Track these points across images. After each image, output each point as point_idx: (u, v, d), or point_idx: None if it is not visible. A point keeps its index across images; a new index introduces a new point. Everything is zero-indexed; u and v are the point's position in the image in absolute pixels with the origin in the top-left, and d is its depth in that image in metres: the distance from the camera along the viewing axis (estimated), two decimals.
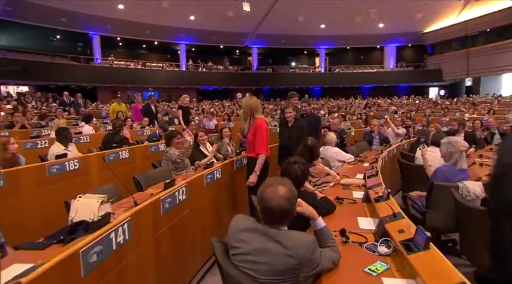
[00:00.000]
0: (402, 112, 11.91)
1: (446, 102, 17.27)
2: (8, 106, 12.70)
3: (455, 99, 19.10)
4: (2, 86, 17.45)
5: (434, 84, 24.94)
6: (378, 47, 26.36)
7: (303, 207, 1.73)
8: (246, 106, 3.47)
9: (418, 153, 4.13)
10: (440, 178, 2.98)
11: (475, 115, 10.20)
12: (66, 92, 12.51)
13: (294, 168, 2.21)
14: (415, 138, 5.57)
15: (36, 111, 10.26)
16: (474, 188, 2.76)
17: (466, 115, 10.24)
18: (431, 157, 3.75)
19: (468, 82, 23.19)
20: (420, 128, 7.33)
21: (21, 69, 15.88)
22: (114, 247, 1.67)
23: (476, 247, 2.41)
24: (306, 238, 1.48)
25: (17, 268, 1.48)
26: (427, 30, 23.92)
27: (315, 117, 5.02)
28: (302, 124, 4.28)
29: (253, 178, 3.30)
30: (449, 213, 2.81)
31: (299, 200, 1.67)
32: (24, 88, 18.25)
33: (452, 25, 22.20)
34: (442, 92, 24.68)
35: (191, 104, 14.95)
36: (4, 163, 3.23)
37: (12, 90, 17.90)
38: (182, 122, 6.94)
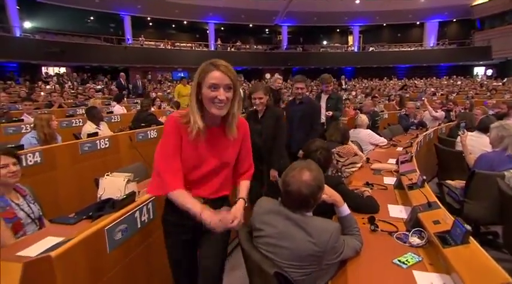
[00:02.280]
0: (442, 94, 11.16)
1: (494, 83, 15.89)
2: (48, 86, 13.48)
3: (505, 80, 17.48)
4: (42, 67, 18.44)
5: (481, 63, 22.93)
6: (418, 23, 24.52)
7: (327, 194, 1.65)
8: None
9: (459, 138, 3.84)
10: (485, 165, 2.76)
11: None
12: (122, 73, 11.37)
13: (316, 155, 2.09)
14: (455, 122, 5.19)
15: (73, 91, 10.78)
16: None
17: None
18: (473, 143, 3.47)
19: None
20: (462, 111, 6.82)
21: (59, 50, 16.61)
22: (139, 226, 1.70)
23: None
24: (330, 225, 1.42)
25: (49, 241, 1.56)
26: (477, 2, 21.76)
27: (311, 105, 3.73)
28: (277, 114, 3.06)
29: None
30: (491, 203, 2.61)
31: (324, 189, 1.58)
32: (62, 69, 19.18)
33: None
34: (490, 72, 22.65)
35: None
36: (45, 138, 3.44)
37: (52, 71, 18.88)
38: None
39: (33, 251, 1.47)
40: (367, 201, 2.09)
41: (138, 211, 1.68)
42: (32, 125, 3.73)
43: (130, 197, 1.77)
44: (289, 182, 1.42)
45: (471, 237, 1.43)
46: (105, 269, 1.45)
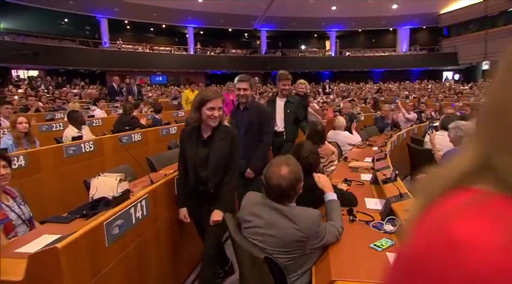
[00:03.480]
0: (414, 97, 11.75)
1: (461, 87, 16.89)
2: (20, 90, 12.99)
3: (470, 84, 18.62)
4: (13, 70, 17.69)
5: (449, 68, 24.28)
6: (391, 29, 25.64)
7: (320, 180, 1.92)
8: None
9: (427, 138, 4.15)
10: None
11: None
12: (116, 77, 10.34)
13: (308, 161, 2.15)
14: (427, 123, 5.56)
15: (48, 95, 10.47)
16: None
17: (482, 100, 10.02)
18: (440, 142, 3.76)
19: (485, 66, 22.47)
20: (432, 114, 7.27)
21: (31, 53, 16.03)
22: (134, 222, 1.79)
23: None
24: (312, 212, 1.59)
25: (46, 238, 1.63)
26: (444, 11, 23.07)
27: (258, 111, 2.97)
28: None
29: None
30: None
31: (318, 175, 1.93)
32: (34, 73, 18.49)
33: (471, 5, 21.30)
34: (457, 76, 24.03)
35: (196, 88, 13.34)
36: (18, 141, 3.43)
37: (23, 74, 18.16)
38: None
39: (32, 247, 1.53)
40: (348, 195, 2.27)
41: (133, 208, 1.77)
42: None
43: (125, 194, 1.86)
44: (270, 177, 1.59)
45: None
46: (105, 262, 1.53)
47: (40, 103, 7.27)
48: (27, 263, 1.27)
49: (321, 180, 1.94)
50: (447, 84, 20.01)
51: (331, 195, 1.88)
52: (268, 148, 3.19)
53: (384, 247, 1.64)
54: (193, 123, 2.15)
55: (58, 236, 1.58)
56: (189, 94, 7.31)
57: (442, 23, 23.91)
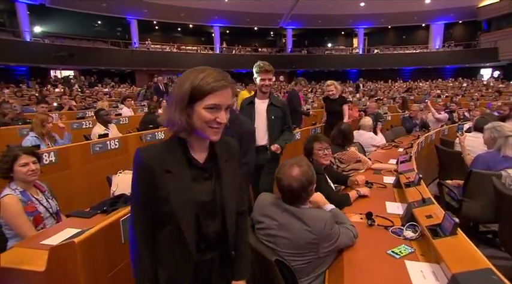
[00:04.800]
0: (446, 96, 11.18)
1: (501, 85, 15.83)
2: (57, 89, 13.80)
3: (511, 82, 17.39)
4: (51, 71, 18.84)
5: (488, 64, 22.80)
6: (423, 25, 24.52)
7: (311, 201, 1.80)
8: None
9: (458, 140, 3.92)
10: (481, 165, 2.84)
11: None
12: (160, 77, 10.08)
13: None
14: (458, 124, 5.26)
15: (81, 94, 11.03)
16: None
17: None
18: (472, 144, 3.55)
19: None
20: (465, 114, 6.88)
21: (68, 54, 16.97)
22: None
23: None
24: (324, 214, 1.55)
25: (68, 232, 1.71)
26: (484, 3, 21.67)
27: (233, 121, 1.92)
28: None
29: None
30: (488, 202, 2.69)
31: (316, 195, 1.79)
32: (69, 73, 19.56)
33: None
34: (496, 73, 22.50)
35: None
36: (42, 138, 3.64)
37: (59, 74, 19.28)
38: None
39: (55, 240, 1.62)
40: (340, 196, 2.22)
41: None
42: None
43: None
44: (281, 178, 1.57)
45: (459, 229, 1.54)
46: (121, 258, 1.58)
47: (73, 102, 7.68)
48: (48, 255, 1.35)
49: (313, 200, 1.80)
50: (484, 82, 18.83)
51: (328, 206, 1.85)
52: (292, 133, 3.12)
53: (402, 254, 1.57)
54: (172, 136, 1.07)
55: (79, 230, 1.66)
56: (245, 95, 5.82)
57: (481, 16, 22.44)
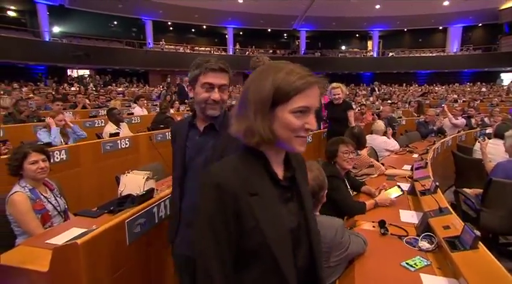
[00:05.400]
0: (464, 101, 10.87)
1: None
2: (73, 88, 14.10)
3: None
4: (68, 70, 19.30)
5: (508, 69, 22.09)
6: (441, 28, 23.98)
7: None
8: None
9: (477, 146, 3.78)
10: (501, 174, 2.71)
11: None
12: (186, 78, 7.96)
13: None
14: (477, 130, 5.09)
15: (95, 93, 11.22)
16: None
17: None
18: (493, 151, 3.41)
19: None
20: (485, 119, 6.65)
21: (84, 54, 17.35)
22: (156, 221, 1.80)
23: None
24: (334, 221, 1.49)
25: (74, 231, 1.70)
26: (506, 6, 20.97)
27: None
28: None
29: None
30: (508, 212, 2.56)
31: None
32: (85, 72, 19.99)
33: None
34: None
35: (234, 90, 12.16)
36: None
37: (76, 73, 19.72)
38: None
39: (60, 239, 1.60)
40: (356, 204, 2.14)
41: (156, 207, 1.78)
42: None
43: (149, 193, 1.88)
44: None
45: (481, 243, 1.44)
46: (124, 260, 1.56)
47: (87, 101, 7.80)
48: (52, 255, 1.32)
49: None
50: (505, 86, 18.22)
51: None
52: None
53: (417, 267, 1.48)
54: (246, 149, 0.84)
55: (84, 230, 1.64)
56: None
57: (503, 18, 21.69)
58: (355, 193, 2.61)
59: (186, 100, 8.45)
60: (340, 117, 4.20)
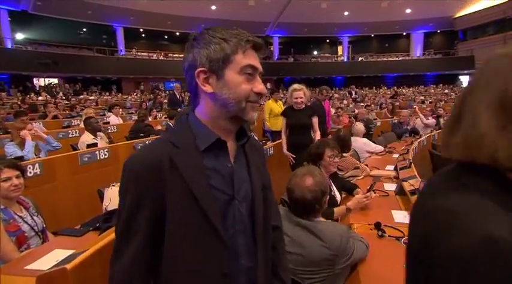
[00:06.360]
0: (430, 102, 11.41)
1: None
2: (40, 97, 13.31)
3: None
4: (34, 78, 18.22)
5: (465, 72, 23.62)
6: (404, 33, 25.24)
7: None
8: None
9: None
10: None
11: None
12: (177, 84, 8.05)
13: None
14: None
15: (66, 102, 10.66)
16: None
17: None
18: None
19: None
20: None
21: (51, 61, 16.49)
22: None
23: None
24: (339, 228, 1.45)
25: (58, 254, 1.53)
26: (459, 14, 22.54)
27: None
28: None
29: None
30: None
31: None
32: (53, 80, 18.99)
33: (488, 8, 20.76)
34: None
35: None
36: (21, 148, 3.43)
37: (43, 81, 18.67)
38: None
39: (43, 264, 1.44)
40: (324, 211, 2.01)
41: None
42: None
43: None
44: (293, 189, 1.46)
45: None
46: None
47: (57, 110, 7.36)
48: None
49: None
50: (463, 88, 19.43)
51: None
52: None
53: None
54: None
55: (70, 252, 1.49)
56: (272, 105, 5.31)
57: (458, 26, 23.37)
58: (344, 195, 2.60)
59: (179, 109, 7.69)
60: (303, 124, 3.47)
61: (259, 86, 0.80)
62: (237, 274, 0.80)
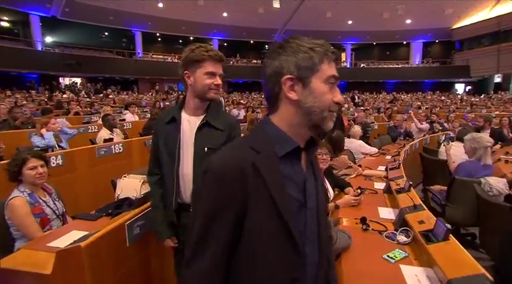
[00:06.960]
0: (426, 108, 11.31)
1: (472, 98, 16.15)
2: (65, 95, 13.60)
3: (482, 96, 17.78)
4: (60, 78, 18.64)
5: (461, 80, 23.36)
6: (404, 42, 25.01)
7: None
8: None
9: (442, 148, 3.93)
10: (463, 173, 2.83)
11: (504, 112, 9.45)
12: None
13: None
14: (440, 134, 5.30)
15: (87, 100, 10.87)
16: (497, 184, 2.60)
17: (495, 112, 9.51)
18: (455, 153, 3.55)
19: (497, 79, 21.43)
20: (444, 124, 6.94)
21: (75, 62, 16.84)
22: None
23: (496, 242, 2.29)
24: None
25: (75, 234, 1.63)
26: (456, 25, 22.26)
27: None
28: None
29: None
30: (469, 207, 2.68)
31: None
32: (77, 80, 19.38)
33: (484, 20, 20.48)
34: (468, 88, 23.07)
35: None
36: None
37: (68, 81, 19.07)
38: None
39: (62, 242, 1.53)
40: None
41: None
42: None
43: (147, 197, 1.83)
44: None
45: (451, 235, 1.50)
46: (125, 260, 1.51)
47: (79, 107, 7.53)
48: (55, 258, 1.26)
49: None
50: (458, 96, 19.19)
51: None
52: None
53: (397, 259, 1.52)
54: None
55: (85, 233, 1.57)
56: None
57: (454, 37, 23.08)
58: (337, 192, 2.65)
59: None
60: None
61: (339, 96, 0.77)
62: (305, 281, 0.77)
